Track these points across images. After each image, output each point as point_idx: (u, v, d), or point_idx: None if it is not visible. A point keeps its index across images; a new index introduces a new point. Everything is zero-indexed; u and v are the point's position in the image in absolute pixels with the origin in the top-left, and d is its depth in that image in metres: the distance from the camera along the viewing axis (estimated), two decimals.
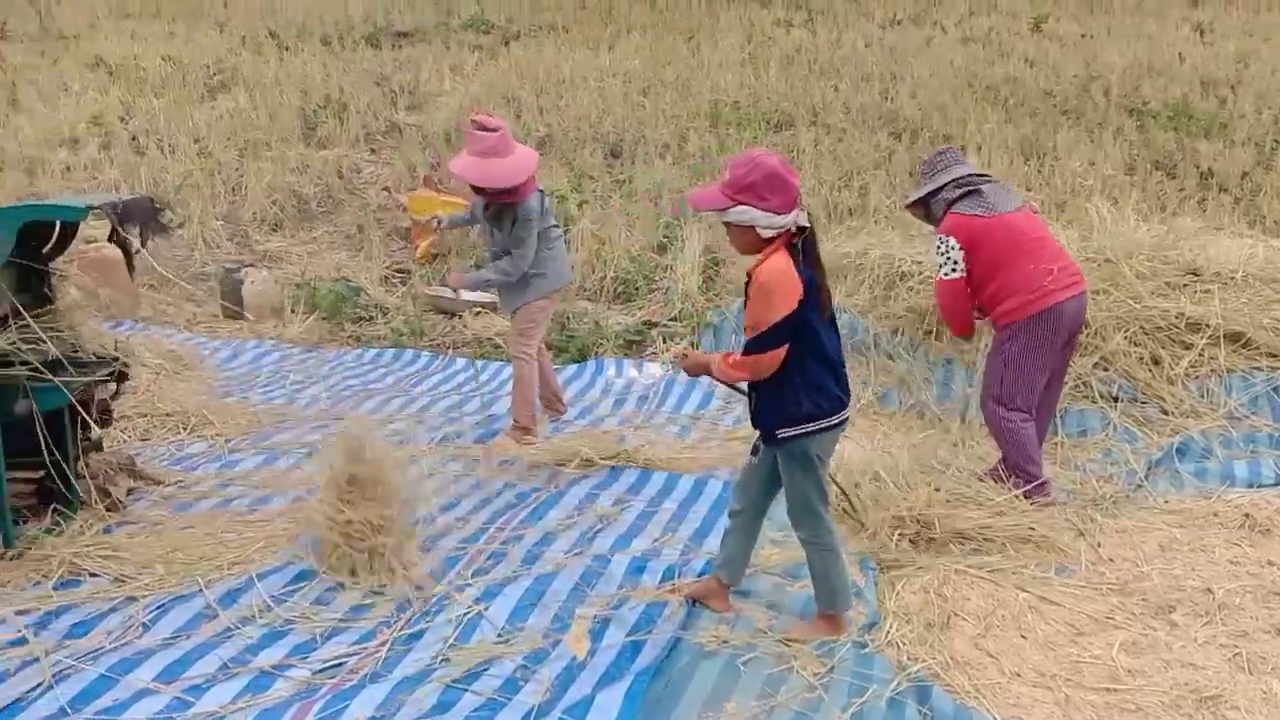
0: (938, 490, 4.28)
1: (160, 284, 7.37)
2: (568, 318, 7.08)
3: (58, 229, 4.04)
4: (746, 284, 3.18)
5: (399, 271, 7.95)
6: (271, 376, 6.16)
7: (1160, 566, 3.93)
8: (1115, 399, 5.35)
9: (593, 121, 10.22)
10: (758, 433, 3.34)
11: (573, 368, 6.44)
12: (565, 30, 13.32)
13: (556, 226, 5.15)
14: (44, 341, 3.72)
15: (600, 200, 8.66)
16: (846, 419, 3.29)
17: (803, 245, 3.14)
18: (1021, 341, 4.39)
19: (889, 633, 3.42)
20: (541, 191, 4.95)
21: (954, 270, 4.43)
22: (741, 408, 5.53)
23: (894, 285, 6.13)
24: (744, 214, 3.08)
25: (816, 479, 3.29)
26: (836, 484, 4.04)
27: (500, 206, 4.90)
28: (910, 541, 4.05)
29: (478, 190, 4.94)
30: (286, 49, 12.30)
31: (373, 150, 9.80)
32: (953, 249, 4.41)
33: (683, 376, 5.91)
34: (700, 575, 3.68)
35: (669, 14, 14.23)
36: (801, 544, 3.41)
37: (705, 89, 11.01)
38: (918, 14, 14.49)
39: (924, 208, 4.65)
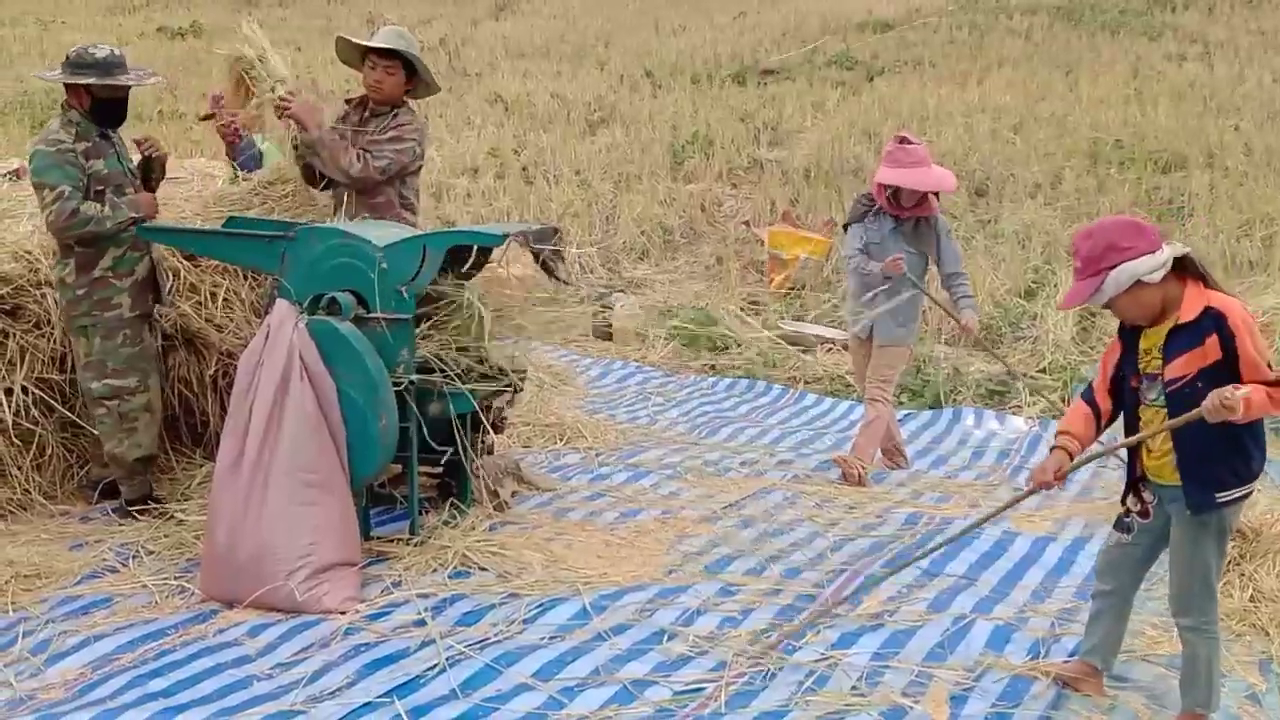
0: None
1: (541, 303, 8.00)
2: (923, 362, 6.90)
3: (474, 252, 4.49)
4: (1175, 329, 2.87)
5: (753, 303, 8.14)
6: (635, 397, 6.52)
7: None
8: None
9: (958, 158, 9.93)
10: (1130, 505, 3.09)
11: (926, 414, 6.26)
12: (932, 65, 13.07)
13: None
14: (460, 351, 4.15)
15: (963, 240, 8.39)
16: None
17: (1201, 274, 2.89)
18: None
19: None
20: None
21: None
22: (1118, 475, 5.11)
23: None
24: (1120, 274, 2.80)
25: (1223, 555, 3.05)
26: None
27: (917, 220, 4.98)
28: None
29: (896, 204, 4.91)
30: (659, 87, 12.99)
31: (734, 185, 10.12)
32: None
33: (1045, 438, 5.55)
34: (1071, 655, 3.44)
35: (1044, 48, 13.55)
36: (1185, 632, 3.06)
37: (1084, 126, 10.39)
38: None
39: None
